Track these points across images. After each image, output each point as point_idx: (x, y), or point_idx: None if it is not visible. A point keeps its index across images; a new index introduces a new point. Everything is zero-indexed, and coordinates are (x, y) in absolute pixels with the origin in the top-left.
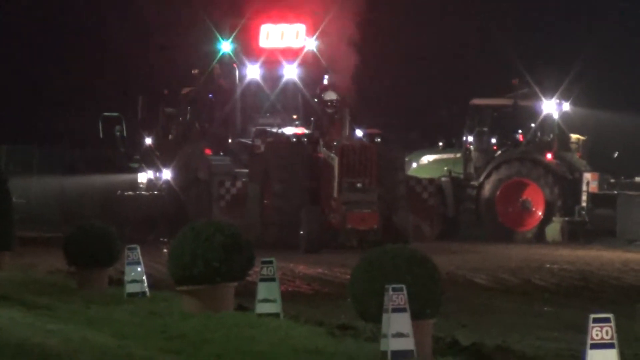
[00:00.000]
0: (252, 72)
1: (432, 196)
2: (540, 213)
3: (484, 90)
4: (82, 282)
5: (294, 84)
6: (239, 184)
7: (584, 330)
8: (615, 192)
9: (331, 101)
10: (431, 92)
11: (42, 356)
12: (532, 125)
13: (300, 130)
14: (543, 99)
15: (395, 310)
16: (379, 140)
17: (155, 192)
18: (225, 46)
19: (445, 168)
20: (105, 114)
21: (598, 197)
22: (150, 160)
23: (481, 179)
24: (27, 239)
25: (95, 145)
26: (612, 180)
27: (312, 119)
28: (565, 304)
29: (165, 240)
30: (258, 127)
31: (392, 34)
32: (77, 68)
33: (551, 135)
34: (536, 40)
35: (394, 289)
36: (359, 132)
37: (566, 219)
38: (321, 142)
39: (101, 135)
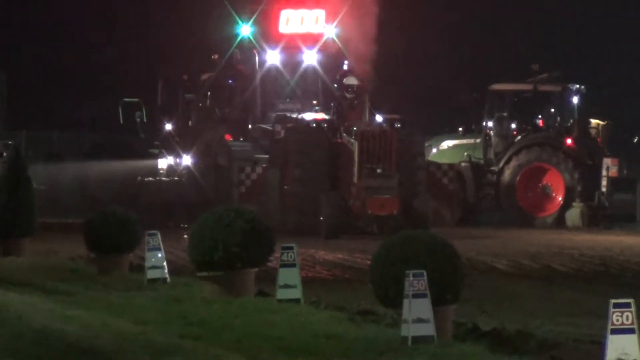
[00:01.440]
0: (272, 57)
1: (452, 181)
2: (560, 198)
3: (503, 75)
4: (103, 268)
5: (314, 69)
6: (259, 169)
7: (604, 316)
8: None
9: (351, 86)
10: (451, 77)
11: (62, 342)
12: (552, 110)
13: (320, 115)
14: (563, 84)
15: (415, 295)
16: (398, 125)
17: (175, 178)
18: (245, 30)
19: (465, 153)
20: (125, 99)
21: (618, 182)
22: (170, 146)
23: (501, 164)
24: (47, 224)
25: (115, 131)
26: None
27: (331, 104)
28: (585, 289)
29: (186, 226)
30: (278, 113)
31: (412, 20)
32: (97, 54)
33: (571, 121)
34: (556, 25)
35: (414, 275)
36: (378, 118)
37: (586, 204)
38: (341, 128)
39: (121, 121)
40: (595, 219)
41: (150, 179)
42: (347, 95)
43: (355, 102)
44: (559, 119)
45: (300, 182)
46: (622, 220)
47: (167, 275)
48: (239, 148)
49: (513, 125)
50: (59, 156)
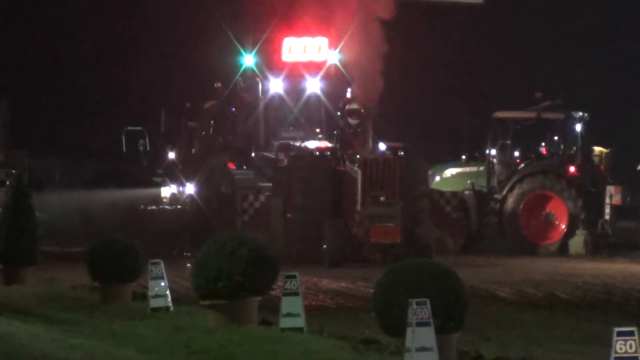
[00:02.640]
0: (275, 85)
1: (455, 209)
2: (563, 226)
3: (506, 103)
4: (106, 297)
5: (317, 97)
6: (262, 197)
7: (608, 344)
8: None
9: (354, 114)
10: (454, 105)
11: None
12: (555, 138)
13: (323, 143)
14: (566, 112)
15: (419, 324)
16: (401, 153)
17: (179, 207)
18: (248, 60)
19: (469, 181)
20: (129, 128)
21: (621, 210)
22: (173, 174)
23: (504, 192)
24: (50, 253)
25: (118, 159)
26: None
27: (335, 132)
28: (589, 317)
29: (189, 254)
30: (281, 141)
31: (416, 46)
32: (101, 81)
33: (574, 148)
34: (559, 53)
35: (417, 303)
36: (381, 146)
37: (589, 232)
38: (344, 156)
39: (124, 149)
40: (599, 246)
41: (154, 207)
42: (351, 123)
43: (359, 129)
44: (562, 146)
45: (303, 210)
46: (625, 248)
47: (171, 304)
48: (242, 176)
49: (516, 153)
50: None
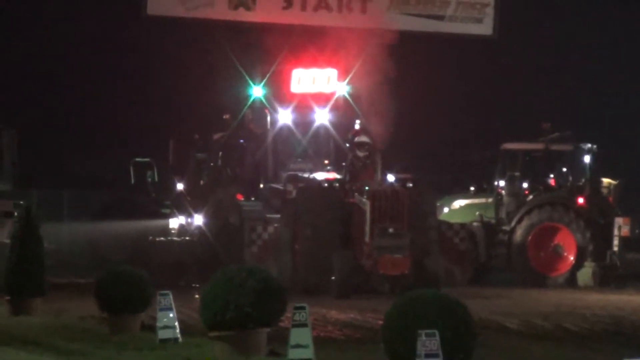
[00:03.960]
0: (284, 117)
1: (464, 241)
2: (572, 258)
3: (515, 134)
4: (114, 328)
5: (326, 128)
6: (270, 229)
7: None
8: None
9: (363, 145)
10: (463, 137)
11: None
12: (564, 169)
13: (332, 175)
14: (574, 143)
15: (428, 355)
16: (410, 185)
17: (187, 238)
18: (257, 91)
19: (477, 213)
20: (137, 159)
21: (630, 242)
22: (181, 205)
23: (513, 223)
24: (58, 284)
25: (127, 191)
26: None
27: (343, 163)
28: (597, 349)
29: (197, 285)
30: (289, 173)
31: (424, 78)
32: (109, 112)
33: (583, 180)
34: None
35: (426, 334)
36: (390, 177)
37: (598, 263)
38: (353, 188)
39: (132, 180)
40: (607, 278)
41: (162, 238)
42: (359, 154)
43: (367, 161)
44: (570, 178)
45: (312, 241)
46: (634, 280)
47: (179, 335)
48: (250, 208)
49: (525, 185)
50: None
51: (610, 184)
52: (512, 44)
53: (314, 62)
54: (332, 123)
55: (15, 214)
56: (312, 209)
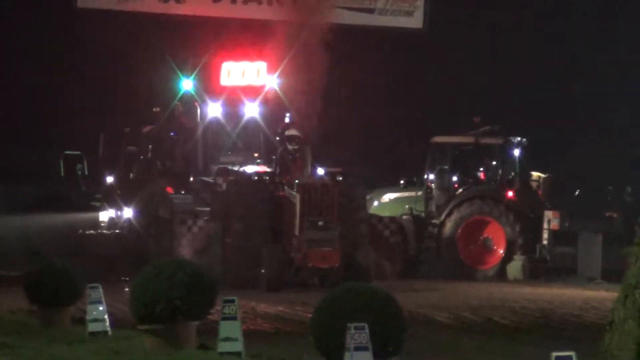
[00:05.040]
0: (214, 110)
1: (394, 234)
2: (501, 251)
3: (445, 128)
4: (44, 321)
5: (256, 122)
6: (200, 222)
7: None
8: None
9: (293, 139)
10: (392, 130)
11: None
12: (494, 163)
13: (262, 168)
14: (504, 137)
15: (357, 348)
16: (340, 178)
17: (117, 231)
18: (187, 84)
19: (407, 206)
20: (67, 152)
21: (559, 235)
22: (111, 198)
23: (442, 217)
24: None
25: (57, 184)
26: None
27: (273, 157)
28: (526, 342)
29: (127, 279)
30: (220, 166)
31: (354, 71)
32: (38, 105)
33: (512, 173)
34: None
35: (355, 328)
36: (320, 171)
37: (527, 257)
38: (283, 181)
39: (62, 173)
40: (537, 272)
41: (92, 231)
42: (290, 148)
43: (297, 155)
44: (500, 171)
45: (242, 234)
46: (563, 274)
47: (109, 328)
48: (181, 201)
49: (454, 178)
50: None
51: (539, 177)
52: (442, 37)
53: (244, 55)
54: (262, 116)
55: None
56: (243, 203)
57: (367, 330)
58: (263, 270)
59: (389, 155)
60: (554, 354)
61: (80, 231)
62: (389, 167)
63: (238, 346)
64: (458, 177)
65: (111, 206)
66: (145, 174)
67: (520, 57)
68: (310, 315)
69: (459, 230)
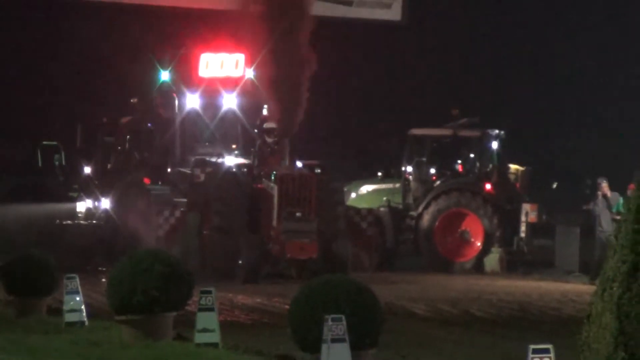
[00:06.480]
0: (192, 101)
1: (371, 226)
2: (479, 243)
3: (423, 120)
4: (21, 311)
5: (234, 113)
6: (177, 213)
7: None
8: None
9: (271, 131)
10: (370, 122)
11: None
12: (471, 155)
13: (240, 160)
14: (482, 130)
15: (334, 340)
16: (318, 170)
17: (94, 222)
18: (165, 75)
19: (384, 198)
20: (44, 142)
21: (537, 228)
22: (89, 189)
23: (420, 209)
24: None
25: (34, 174)
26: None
27: (252, 149)
28: (504, 334)
29: (104, 269)
30: (197, 157)
31: (332, 63)
32: (15, 95)
33: (490, 166)
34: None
35: (333, 319)
36: (298, 163)
37: (505, 249)
38: (261, 173)
39: (39, 163)
40: (514, 264)
41: (69, 222)
42: (267, 140)
43: (276, 146)
44: (478, 164)
45: (220, 226)
46: (540, 266)
47: (86, 319)
48: (158, 192)
49: (432, 170)
50: None
51: (517, 170)
52: (420, 29)
53: (222, 47)
54: (240, 108)
55: None
56: (220, 194)
57: (344, 322)
58: (241, 262)
59: (366, 147)
60: (532, 346)
61: (58, 221)
62: (366, 159)
63: (215, 337)
64: (436, 170)
65: (88, 197)
66: (122, 165)
67: (499, 49)
68: (287, 307)
69: (437, 223)
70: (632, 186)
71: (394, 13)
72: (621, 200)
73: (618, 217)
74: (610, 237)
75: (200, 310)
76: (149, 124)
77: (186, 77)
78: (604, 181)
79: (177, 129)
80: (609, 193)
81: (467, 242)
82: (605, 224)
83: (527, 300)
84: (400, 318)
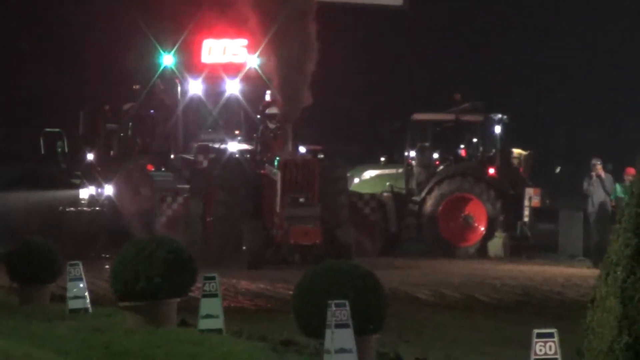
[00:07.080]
0: (194, 87)
1: (374, 212)
2: (482, 228)
3: (425, 105)
4: (24, 299)
5: (236, 99)
6: (180, 199)
7: (527, 346)
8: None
9: (274, 117)
10: (373, 107)
11: None
12: (474, 140)
13: (243, 146)
14: (485, 114)
15: (338, 325)
16: (321, 156)
17: (97, 208)
18: (167, 60)
19: (388, 183)
20: (47, 129)
21: (540, 212)
22: (91, 176)
23: (423, 194)
24: None
25: (37, 161)
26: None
27: (254, 134)
28: (508, 319)
29: (107, 256)
30: (200, 143)
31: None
32: (18, 82)
33: (493, 150)
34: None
35: (336, 305)
36: (301, 149)
37: (508, 234)
38: (264, 158)
39: (42, 151)
40: (518, 249)
41: (72, 209)
42: (270, 126)
43: (278, 132)
44: (481, 148)
45: (223, 213)
46: (544, 251)
47: (89, 306)
48: (161, 178)
49: (435, 155)
50: None
51: (520, 154)
52: (424, 14)
53: (225, 32)
54: (243, 94)
55: None
56: (223, 180)
57: (348, 307)
58: (244, 248)
59: (369, 132)
60: (536, 330)
61: (61, 208)
62: (369, 144)
63: (219, 323)
64: (439, 155)
65: (91, 184)
66: (125, 152)
67: (502, 34)
68: (291, 293)
69: (440, 208)
70: (630, 170)
71: None
72: (618, 187)
73: (613, 205)
74: (595, 222)
75: (204, 296)
76: (151, 111)
77: (189, 63)
78: (599, 162)
79: (180, 115)
80: (603, 174)
81: (470, 227)
82: (597, 204)
83: (530, 285)
84: (404, 303)
